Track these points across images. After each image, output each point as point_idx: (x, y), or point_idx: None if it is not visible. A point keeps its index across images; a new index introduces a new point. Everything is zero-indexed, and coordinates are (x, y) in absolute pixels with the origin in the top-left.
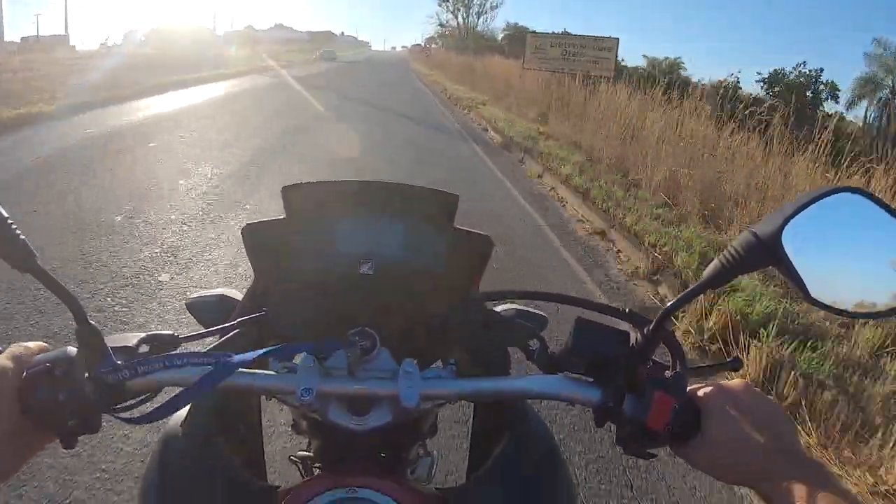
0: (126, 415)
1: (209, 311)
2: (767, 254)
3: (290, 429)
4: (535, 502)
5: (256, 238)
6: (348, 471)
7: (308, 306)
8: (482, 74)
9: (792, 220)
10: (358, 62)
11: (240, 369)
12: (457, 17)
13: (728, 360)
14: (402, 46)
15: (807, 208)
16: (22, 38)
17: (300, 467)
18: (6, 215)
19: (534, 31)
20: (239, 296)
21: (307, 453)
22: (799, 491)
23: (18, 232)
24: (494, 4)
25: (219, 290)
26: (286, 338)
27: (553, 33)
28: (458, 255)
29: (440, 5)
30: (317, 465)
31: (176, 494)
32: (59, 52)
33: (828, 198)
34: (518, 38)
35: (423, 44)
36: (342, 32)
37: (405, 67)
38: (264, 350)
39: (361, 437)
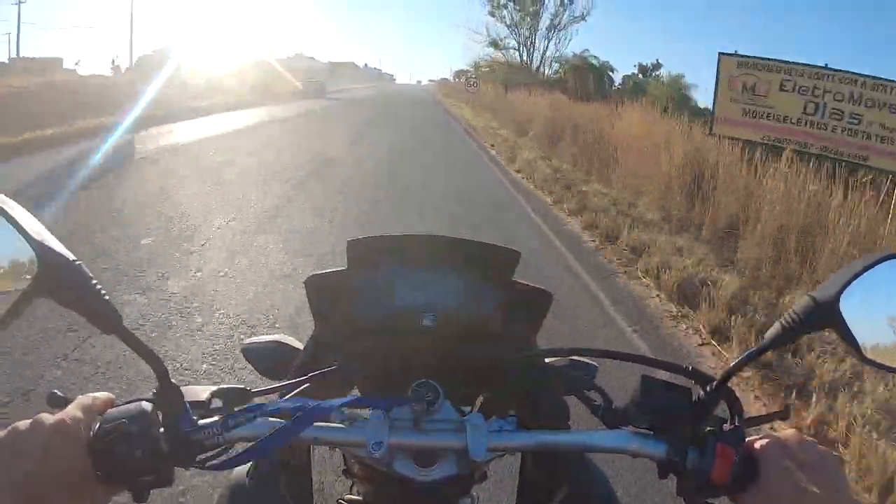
0: (200, 463)
1: (265, 357)
2: (825, 318)
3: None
4: None
5: (319, 288)
6: None
7: (371, 357)
8: (594, 137)
9: (848, 287)
10: (361, 101)
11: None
12: (517, 32)
13: (778, 411)
14: (429, 80)
15: (863, 274)
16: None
17: None
18: (91, 275)
19: (734, 53)
20: (294, 342)
21: (357, 498)
22: None
23: (104, 293)
24: (580, 13)
25: (274, 336)
26: (349, 387)
27: (782, 61)
28: (516, 307)
29: (492, 14)
30: None
31: None
32: (59, 74)
33: (884, 263)
34: (584, 70)
35: (451, 77)
36: (365, 64)
37: (439, 111)
38: (340, 402)
39: (417, 486)
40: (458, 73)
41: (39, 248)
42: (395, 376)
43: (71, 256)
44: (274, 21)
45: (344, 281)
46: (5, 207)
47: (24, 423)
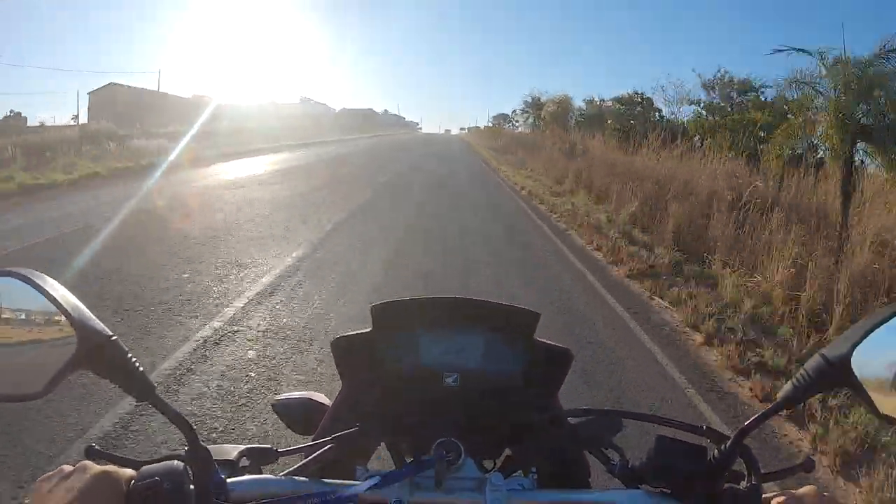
0: None
1: (295, 413)
2: (837, 377)
3: None
4: None
5: (345, 349)
6: None
7: (395, 417)
8: None
9: (860, 345)
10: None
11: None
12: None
13: (801, 463)
14: (461, 129)
15: (874, 331)
16: None
17: None
18: (126, 349)
19: None
20: (323, 399)
21: None
22: None
23: (139, 366)
24: None
25: (304, 393)
26: (372, 447)
27: None
28: (537, 366)
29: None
30: None
31: None
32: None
33: (893, 318)
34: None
35: (492, 122)
36: (385, 110)
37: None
38: (365, 486)
39: None
40: (497, 118)
41: (78, 325)
42: (419, 435)
43: (108, 332)
44: (277, 65)
45: (369, 342)
46: (39, 282)
47: (69, 467)
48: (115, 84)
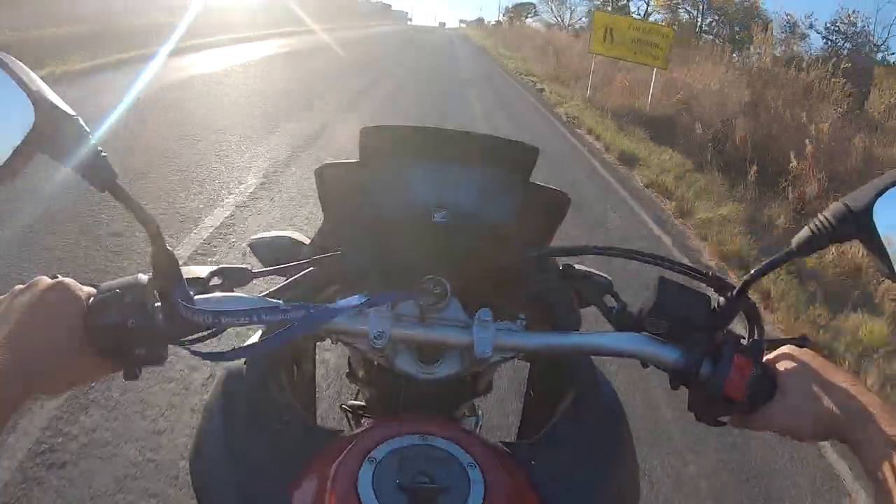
0: (197, 348)
1: (272, 252)
2: (857, 226)
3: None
4: (602, 462)
5: (329, 179)
6: (412, 419)
7: (379, 249)
8: None
9: (885, 194)
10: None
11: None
12: None
13: (795, 337)
14: (461, 22)
15: None
16: None
17: (350, 417)
18: (87, 130)
19: None
20: (303, 237)
21: (359, 402)
22: (891, 428)
23: (101, 150)
24: None
25: (283, 232)
26: (356, 279)
27: None
28: (532, 209)
29: None
30: (367, 415)
31: (239, 433)
32: None
33: None
34: None
35: (502, 18)
36: None
37: None
38: (343, 305)
39: (420, 388)
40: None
41: (36, 100)
42: (404, 271)
43: (69, 110)
44: None
45: (356, 173)
46: (7, 62)
47: (21, 286)
48: None
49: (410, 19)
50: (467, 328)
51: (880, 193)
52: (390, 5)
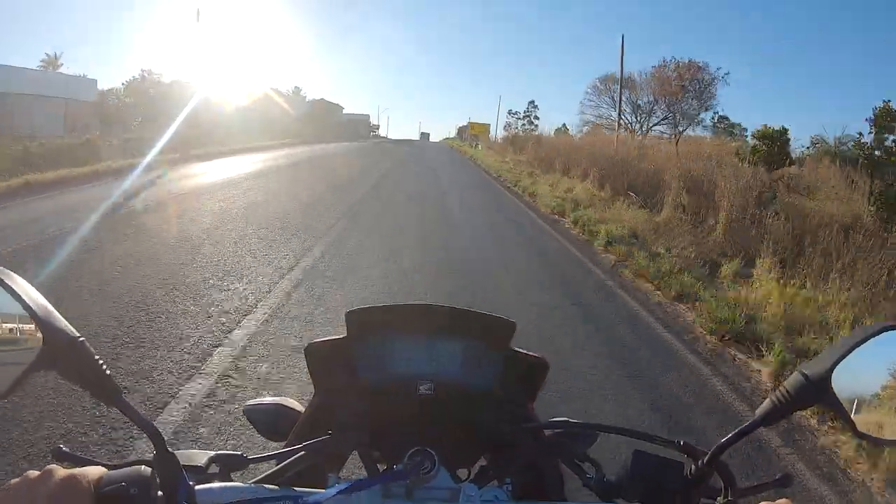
0: None
1: (267, 419)
2: (817, 394)
3: None
4: None
5: (318, 356)
6: None
7: (368, 425)
8: None
9: (840, 364)
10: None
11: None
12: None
13: (776, 478)
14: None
15: (855, 350)
16: None
17: None
18: (94, 351)
19: None
20: (296, 405)
21: None
22: None
23: (105, 369)
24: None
25: (276, 399)
26: (345, 455)
27: None
28: (513, 376)
29: None
30: None
31: None
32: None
33: (875, 337)
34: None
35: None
36: (371, 116)
37: None
38: (335, 490)
39: None
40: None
41: (43, 325)
42: (392, 443)
43: (75, 333)
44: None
45: (343, 349)
46: (8, 281)
47: (34, 473)
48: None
49: (380, 132)
50: (453, 501)
51: (836, 364)
52: (372, 119)
